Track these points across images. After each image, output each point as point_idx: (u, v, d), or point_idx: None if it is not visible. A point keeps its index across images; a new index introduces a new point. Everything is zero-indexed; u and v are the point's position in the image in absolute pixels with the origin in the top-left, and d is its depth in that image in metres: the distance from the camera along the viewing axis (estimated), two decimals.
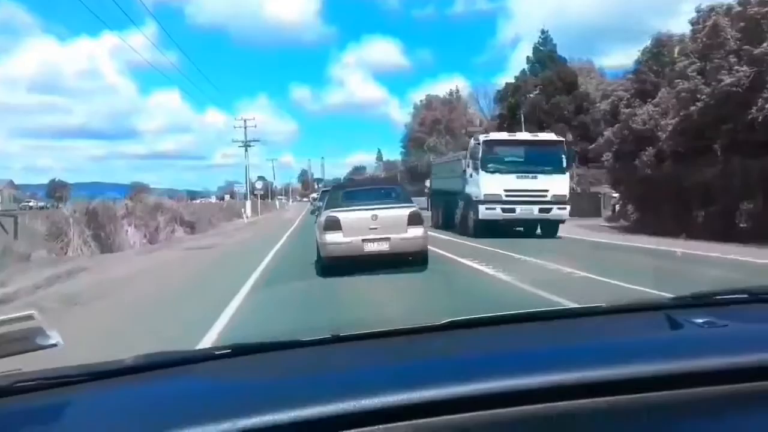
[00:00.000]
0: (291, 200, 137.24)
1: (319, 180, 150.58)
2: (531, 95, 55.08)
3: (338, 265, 9.99)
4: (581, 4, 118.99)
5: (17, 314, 1.04)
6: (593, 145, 26.46)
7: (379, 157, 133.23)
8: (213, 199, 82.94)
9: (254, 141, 52.95)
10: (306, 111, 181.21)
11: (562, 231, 20.28)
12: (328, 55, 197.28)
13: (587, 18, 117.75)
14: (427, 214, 17.18)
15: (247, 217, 43.34)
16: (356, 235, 10.29)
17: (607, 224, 27.39)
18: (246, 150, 52.54)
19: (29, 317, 1.05)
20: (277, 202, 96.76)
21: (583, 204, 39.40)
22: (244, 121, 52.29)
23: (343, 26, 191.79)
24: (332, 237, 10.35)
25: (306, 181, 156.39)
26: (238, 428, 0.94)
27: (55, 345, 1.07)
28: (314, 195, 52.47)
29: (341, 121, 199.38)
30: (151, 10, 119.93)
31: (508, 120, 57.88)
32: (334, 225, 10.43)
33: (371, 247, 10.34)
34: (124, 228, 22.49)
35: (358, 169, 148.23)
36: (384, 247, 10.36)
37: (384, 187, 13.79)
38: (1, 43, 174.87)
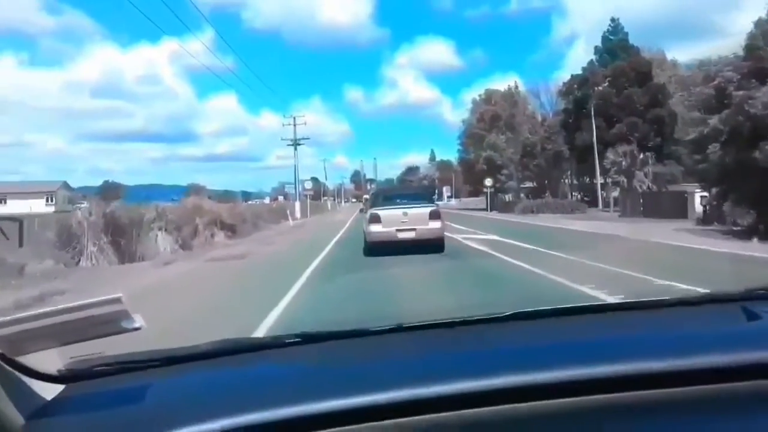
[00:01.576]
0: (343, 201, 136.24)
1: (371, 180, 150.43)
2: (600, 87, 50.89)
3: (379, 248, 13.73)
4: (639, 2, 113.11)
5: (105, 297, 1.04)
6: (692, 135, 22.59)
7: (432, 158, 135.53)
8: (266, 200, 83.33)
9: (303, 139, 50.72)
10: (359, 112, 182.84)
11: (666, 238, 16.92)
12: (380, 56, 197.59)
13: (645, 15, 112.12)
14: None
15: (294, 219, 40.93)
16: (392, 226, 13.99)
17: (702, 227, 23.49)
18: (295, 149, 50.33)
19: (117, 300, 1.05)
20: (328, 203, 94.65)
21: (664, 204, 35.29)
22: (294, 118, 50.08)
23: (395, 27, 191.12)
24: (375, 228, 14.14)
25: (358, 181, 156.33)
26: (311, 412, 0.96)
27: (139, 328, 1.07)
28: (366, 196, 54.50)
29: (394, 121, 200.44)
30: (207, 16, 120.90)
31: (574, 115, 53.80)
32: (376, 219, 14.23)
33: (402, 235, 13.94)
34: (153, 233, 20.20)
35: (411, 170, 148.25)
36: (411, 235, 13.94)
37: (413, 192, 18.76)
38: (66, 50, 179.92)
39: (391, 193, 17.65)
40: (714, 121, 18.77)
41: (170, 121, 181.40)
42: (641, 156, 45.92)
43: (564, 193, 60.70)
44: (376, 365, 1.23)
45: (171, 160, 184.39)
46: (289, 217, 31.93)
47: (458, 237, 18.89)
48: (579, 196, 58.97)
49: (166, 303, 8.01)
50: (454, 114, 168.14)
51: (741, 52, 19.97)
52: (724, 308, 1.53)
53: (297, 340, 1.38)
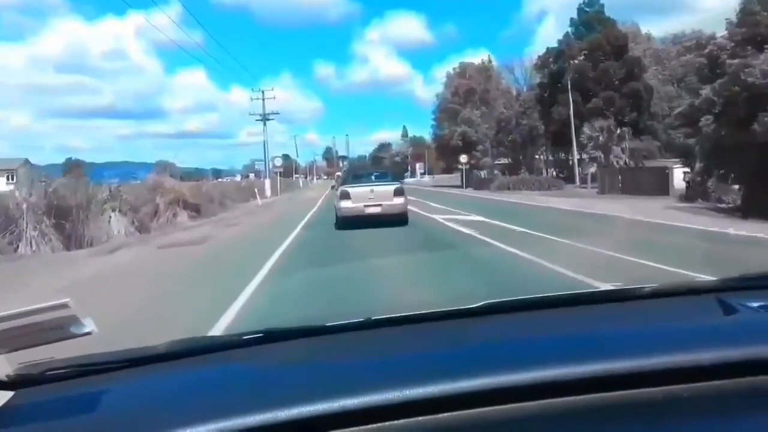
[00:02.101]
0: (315, 178, 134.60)
1: (343, 158, 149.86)
2: (576, 61, 49.80)
3: (348, 222, 15.14)
4: None
5: (52, 303, 1.02)
6: (679, 109, 21.59)
7: (405, 134, 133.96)
8: (238, 178, 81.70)
9: (273, 114, 48.86)
10: (330, 88, 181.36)
11: (658, 216, 15.91)
12: (351, 32, 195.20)
13: None
14: None
15: (263, 198, 39.33)
16: (360, 202, 15.41)
17: (687, 204, 22.61)
18: (264, 124, 48.49)
19: (64, 306, 1.04)
20: (300, 181, 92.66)
21: (644, 180, 34.49)
22: (262, 92, 48.09)
23: (366, 2, 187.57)
24: (345, 203, 15.59)
25: (331, 158, 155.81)
26: (274, 420, 0.92)
27: (89, 333, 1.06)
28: (339, 173, 53.73)
29: (365, 98, 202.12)
30: None
31: (550, 89, 52.70)
32: (346, 195, 15.70)
33: (370, 210, 15.35)
34: (105, 215, 18.57)
35: (384, 146, 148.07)
36: (378, 210, 15.40)
37: (380, 171, 19.50)
38: (29, 24, 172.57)
39: (360, 172, 19.57)
40: (707, 91, 17.69)
41: (138, 98, 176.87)
42: (618, 131, 45.17)
43: (539, 169, 59.87)
44: (342, 367, 1.17)
45: (140, 138, 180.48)
46: (257, 196, 30.32)
47: (439, 218, 17.63)
48: (554, 173, 58.24)
49: (95, 301, 6.56)
50: (426, 90, 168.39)
51: (722, 27, 18.94)
52: (700, 300, 1.46)
53: (259, 337, 1.32)
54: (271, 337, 1.33)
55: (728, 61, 16.92)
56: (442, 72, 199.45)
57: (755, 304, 1.25)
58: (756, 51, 16.36)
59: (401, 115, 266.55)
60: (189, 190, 26.51)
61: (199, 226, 20.82)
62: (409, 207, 16.50)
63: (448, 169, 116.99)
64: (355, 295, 6.34)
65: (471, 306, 1.37)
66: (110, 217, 18.52)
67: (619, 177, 37.61)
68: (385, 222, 14.80)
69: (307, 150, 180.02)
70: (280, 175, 56.42)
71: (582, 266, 7.54)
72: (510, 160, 60.73)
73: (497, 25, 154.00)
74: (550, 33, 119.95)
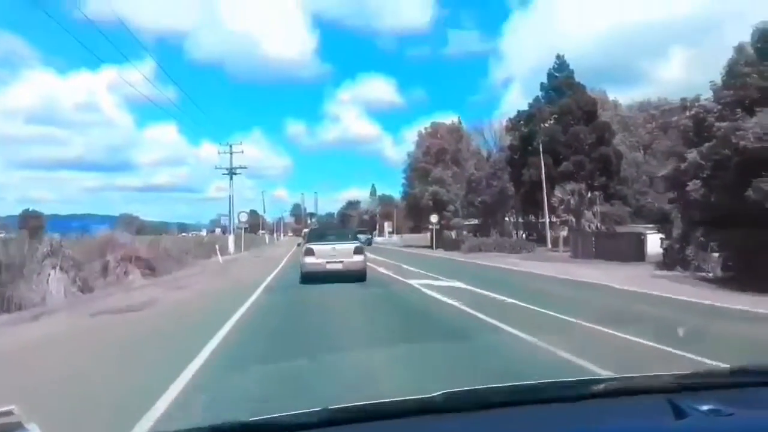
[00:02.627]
0: (283, 235, 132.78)
1: (312, 215, 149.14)
2: (547, 124, 49.93)
3: (311, 278, 16.35)
4: (572, 48, 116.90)
5: None
6: (664, 172, 20.89)
7: (373, 192, 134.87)
8: (203, 233, 79.17)
9: (240, 168, 47.35)
10: (300, 146, 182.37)
11: (655, 287, 14.76)
12: (323, 92, 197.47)
13: (581, 61, 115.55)
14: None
15: (224, 255, 37.45)
16: (323, 258, 16.69)
17: (668, 272, 21.62)
18: (231, 178, 46.93)
19: (9, 413, 1.02)
20: (266, 237, 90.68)
21: (618, 245, 33.72)
22: (230, 146, 46.77)
23: (339, 64, 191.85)
24: (309, 259, 16.83)
25: (299, 215, 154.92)
26: None
27: None
28: (306, 230, 50.45)
29: (335, 156, 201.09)
30: (149, 45, 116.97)
31: (521, 151, 52.60)
32: (310, 252, 16.92)
33: (331, 266, 16.62)
34: (45, 273, 16.72)
35: (353, 204, 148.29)
36: (339, 267, 16.65)
37: (341, 230, 22.06)
38: (0, 74, 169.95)
39: (323, 231, 20.97)
40: (693, 155, 16.92)
41: (108, 150, 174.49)
42: (589, 195, 44.85)
43: (509, 231, 59.31)
44: None
45: (107, 190, 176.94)
46: (218, 254, 28.52)
47: (416, 284, 16.19)
48: (524, 235, 57.65)
49: None
50: (395, 150, 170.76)
51: (710, 90, 18.42)
52: (652, 401, 1.38)
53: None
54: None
55: (717, 124, 16.22)
56: (411, 133, 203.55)
57: (705, 408, 1.21)
58: (746, 114, 15.68)
59: (370, 174, 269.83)
60: (145, 246, 24.74)
61: (150, 286, 19.03)
62: (383, 270, 15.38)
63: (417, 229, 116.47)
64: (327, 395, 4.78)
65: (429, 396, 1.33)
66: (49, 275, 16.69)
67: (593, 241, 36.89)
68: (348, 279, 16.10)
69: (276, 206, 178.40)
70: (245, 231, 54.67)
71: (603, 356, 6.08)
72: (479, 221, 60.17)
73: (465, 90, 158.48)
74: (515, 99, 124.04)
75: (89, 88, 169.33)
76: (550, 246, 44.69)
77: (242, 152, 47.58)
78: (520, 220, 59.57)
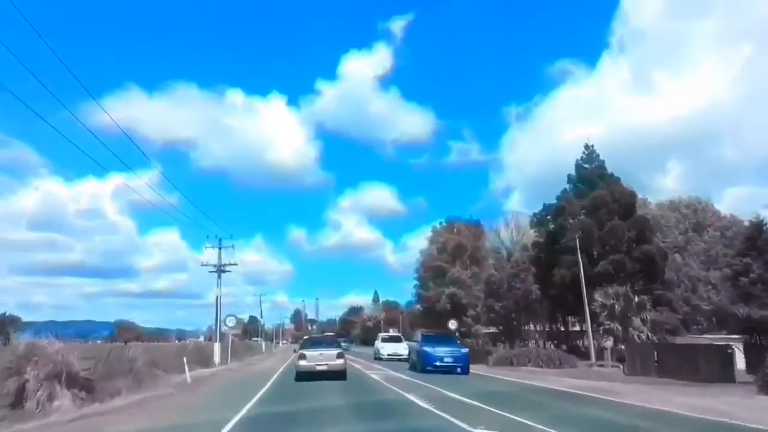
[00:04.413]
0: (282, 342, 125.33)
1: (312, 321, 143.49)
2: (579, 218, 44.35)
3: (304, 376, 20.94)
4: (569, 156, 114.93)
5: None
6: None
7: (376, 299, 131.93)
8: (201, 339, 74.65)
9: (230, 265, 41.20)
10: (302, 252, 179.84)
11: None
12: (325, 199, 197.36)
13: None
14: None
15: (203, 368, 30.57)
16: (313, 361, 21.22)
17: None
18: (218, 276, 40.63)
19: None
20: (262, 345, 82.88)
21: (690, 360, 26.88)
22: (219, 240, 40.87)
23: (340, 172, 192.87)
24: (302, 362, 21.43)
25: (299, 321, 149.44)
26: None
27: None
28: (306, 337, 50.90)
29: (336, 262, 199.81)
30: (155, 153, 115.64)
31: (547, 249, 46.67)
32: (303, 356, 21.58)
33: (320, 368, 21.06)
34: None
35: (355, 310, 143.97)
36: (325, 367, 21.08)
37: (328, 340, 25.79)
38: (7, 182, 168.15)
39: (314, 340, 25.62)
40: None
41: (108, 256, 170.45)
42: (636, 299, 38.40)
43: (535, 340, 52.23)
44: None
45: (106, 296, 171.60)
46: (186, 370, 21.87)
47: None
48: (551, 345, 50.55)
49: None
50: (396, 257, 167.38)
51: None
52: None
53: None
54: None
55: None
56: (412, 240, 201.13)
57: None
58: None
59: (371, 281, 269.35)
60: (79, 359, 18.16)
61: (72, 422, 12.57)
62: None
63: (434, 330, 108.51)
64: None
65: None
66: None
67: (655, 355, 30.07)
68: (332, 378, 20.68)
69: (277, 313, 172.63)
70: (235, 338, 48.17)
71: None
72: (499, 329, 53.24)
73: (465, 198, 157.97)
74: (516, 207, 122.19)
75: (93, 195, 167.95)
76: (594, 360, 37.66)
77: (233, 247, 41.62)
78: (547, 328, 52.66)
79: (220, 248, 40.69)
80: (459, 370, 25.96)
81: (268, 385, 20.15)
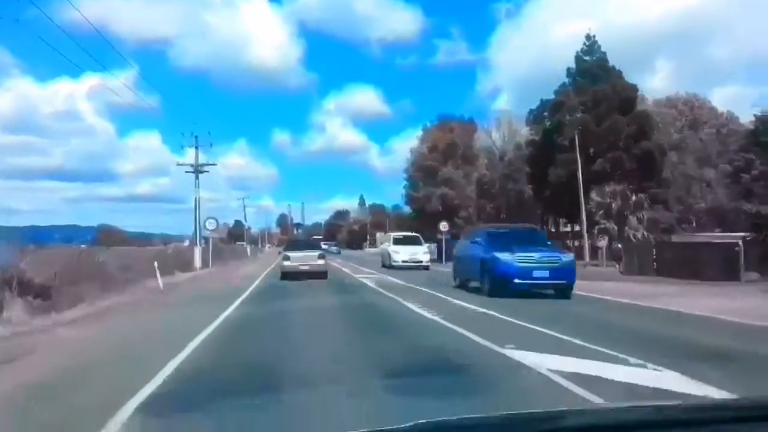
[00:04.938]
0: (268, 246, 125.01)
1: (298, 225, 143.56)
2: (576, 115, 42.07)
3: (288, 276, 21.89)
4: (558, 58, 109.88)
5: None
6: None
7: (362, 202, 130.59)
8: (186, 243, 72.76)
9: (208, 165, 38.94)
10: (286, 156, 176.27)
11: None
12: (309, 102, 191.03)
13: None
14: None
15: (185, 272, 29.04)
16: (296, 262, 22.49)
17: None
18: (197, 177, 38.45)
19: None
20: (248, 248, 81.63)
21: (691, 259, 25.59)
22: (195, 138, 38.30)
23: (324, 73, 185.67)
24: (286, 263, 22.72)
25: (285, 225, 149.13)
26: None
27: None
28: (290, 240, 48.11)
29: (321, 166, 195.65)
30: (131, 52, 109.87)
31: (544, 147, 44.59)
32: (287, 258, 22.98)
33: (302, 268, 22.17)
34: None
35: (341, 214, 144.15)
36: (307, 268, 22.24)
37: (310, 242, 30.58)
38: None
39: (297, 243, 28.60)
40: None
41: (88, 160, 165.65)
42: (634, 197, 36.92)
43: None
44: None
45: (88, 200, 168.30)
46: (158, 275, 19.97)
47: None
48: None
49: None
50: (383, 161, 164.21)
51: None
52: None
53: None
54: None
55: None
56: (399, 144, 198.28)
57: None
58: None
59: (357, 185, 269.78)
60: (34, 265, 16.25)
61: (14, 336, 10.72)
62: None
63: (430, 239, 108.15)
64: None
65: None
66: None
67: (654, 253, 28.84)
68: (314, 276, 21.92)
69: (262, 217, 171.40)
70: (222, 242, 46.83)
71: None
72: None
73: (452, 100, 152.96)
74: (505, 108, 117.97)
75: (69, 96, 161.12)
76: (588, 259, 36.56)
77: (211, 146, 39.17)
78: (541, 228, 51.51)
79: (197, 147, 38.30)
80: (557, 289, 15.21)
81: (258, 281, 18.73)
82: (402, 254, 31.33)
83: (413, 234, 36.77)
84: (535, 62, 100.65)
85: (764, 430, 1.32)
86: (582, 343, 7.96)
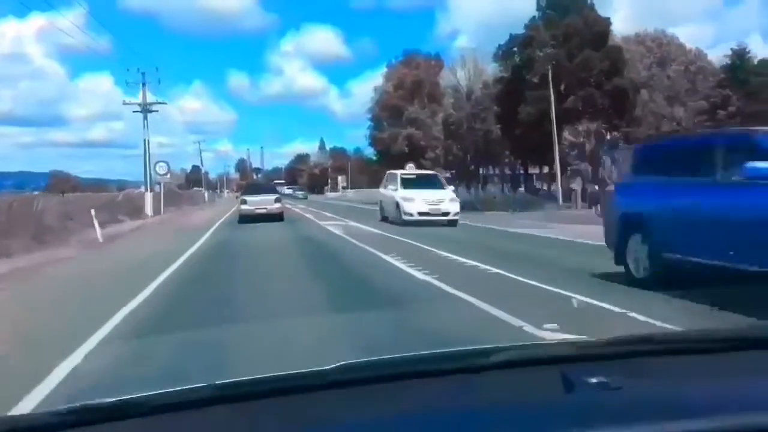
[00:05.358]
0: (227, 191, 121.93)
1: (258, 170, 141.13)
2: (547, 51, 40.07)
3: (246, 219, 22.54)
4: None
5: None
6: None
7: (322, 146, 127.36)
8: (142, 189, 69.27)
9: (157, 104, 35.94)
10: (244, 99, 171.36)
11: None
12: (266, 43, 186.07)
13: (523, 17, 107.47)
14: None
15: (137, 219, 26.68)
16: (253, 206, 23.12)
17: None
18: (145, 118, 35.49)
19: None
20: (205, 194, 78.56)
21: None
22: (143, 75, 35.12)
23: (282, 14, 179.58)
24: (244, 207, 23.48)
25: (244, 170, 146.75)
26: None
27: None
28: (247, 184, 46.12)
29: (280, 110, 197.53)
30: None
31: (513, 85, 42.72)
32: (245, 202, 23.73)
33: (259, 211, 22.86)
34: None
35: (301, 157, 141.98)
36: (264, 211, 22.90)
37: (266, 186, 30.75)
38: None
39: (254, 187, 28.78)
40: None
41: (39, 104, 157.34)
42: (608, 136, 35.59)
43: (492, 184, 49.84)
44: None
45: (41, 146, 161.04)
46: (96, 227, 17.32)
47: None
48: (510, 188, 48.31)
49: None
50: (342, 104, 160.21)
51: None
52: (543, 372, 1.35)
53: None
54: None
55: None
56: (359, 86, 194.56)
57: (594, 380, 1.20)
58: None
59: (317, 129, 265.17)
60: None
61: None
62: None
63: (375, 182, 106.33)
64: None
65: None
66: None
67: None
68: (270, 219, 22.46)
69: (221, 162, 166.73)
70: (178, 187, 44.13)
71: None
72: (452, 172, 50.28)
73: (411, 44, 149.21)
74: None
75: (15, 38, 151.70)
76: (561, 202, 35.33)
77: (159, 82, 36.08)
78: (507, 171, 50.09)
79: (143, 84, 35.18)
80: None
81: (211, 232, 16.50)
82: (418, 203, 20.04)
83: (429, 172, 28.58)
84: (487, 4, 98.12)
85: (684, 360, 1.39)
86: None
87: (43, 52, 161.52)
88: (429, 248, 12.52)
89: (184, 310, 7.06)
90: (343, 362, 1.29)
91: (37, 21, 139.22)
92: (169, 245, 14.84)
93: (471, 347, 1.45)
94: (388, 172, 25.66)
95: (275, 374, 1.28)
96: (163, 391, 1.19)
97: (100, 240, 16.43)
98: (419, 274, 8.96)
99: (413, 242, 13.74)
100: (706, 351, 1.46)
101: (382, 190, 23.81)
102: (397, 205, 20.53)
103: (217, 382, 1.21)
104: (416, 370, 1.35)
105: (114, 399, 1.15)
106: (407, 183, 21.63)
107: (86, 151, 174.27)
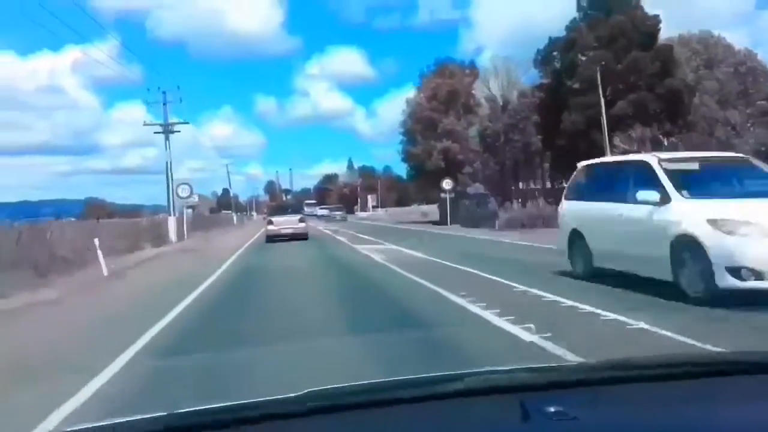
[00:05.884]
0: (255, 214, 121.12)
1: (287, 191, 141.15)
2: (591, 53, 37.25)
3: (272, 239, 24.34)
4: (543, 16, 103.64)
5: None
6: None
7: (350, 166, 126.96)
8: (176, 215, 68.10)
9: (179, 124, 34.02)
10: (272, 122, 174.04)
11: None
12: (292, 66, 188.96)
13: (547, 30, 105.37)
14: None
15: (157, 248, 24.51)
16: (279, 226, 25.06)
17: None
18: (167, 138, 33.54)
19: None
20: (234, 217, 76.87)
21: None
22: (164, 94, 33.27)
23: (306, 37, 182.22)
24: (270, 227, 25.53)
25: (274, 192, 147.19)
26: None
27: None
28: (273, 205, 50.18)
29: (308, 131, 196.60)
30: (111, 24, 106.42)
31: (555, 92, 39.90)
32: (271, 222, 26.08)
33: (285, 231, 24.68)
34: None
35: (330, 178, 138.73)
36: (290, 231, 24.68)
37: (291, 206, 35.13)
38: None
39: (280, 208, 32.86)
40: None
41: (75, 133, 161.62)
42: (666, 142, 32.56)
43: (532, 199, 46.86)
44: None
45: (77, 174, 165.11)
46: (101, 259, 14.87)
47: None
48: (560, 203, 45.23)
49: None
50: (368, 124, 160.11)
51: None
52: (502, 401, 1.30)
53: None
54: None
55: None
56: (383, 106, 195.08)
57: (551, 409, 1.17)
58: None
59: (344, 149, 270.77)
60: None
61: None
62: None
63: (403, 201, 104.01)
64: None
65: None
66: None
67: None
68: (295, 238, 24.25)
69: (251, 185, 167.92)
70: (210, 211, 42.51)
71: None
72: (486, 187, 47.18)
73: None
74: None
75: (51, 71, 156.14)
76: None
77: (181, 101, 34.19)
78: (548, 185, 47.05)
79: (165, 103, 33.27)
80: None
81: (233, 261, 14.22)
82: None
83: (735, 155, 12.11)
84: (520, 16, 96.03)
85: (644, 387, 1.37)
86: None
87: (77, 83, 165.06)
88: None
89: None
90: (308, 390, 1.26)
91: (71, 54, 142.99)
92: (181, 277, 12.46)
93: (433, 374, 1.42)
94: (599, 161, 12.17)
95: (235, 403, 1.24)
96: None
97: (105, 274, 14.10)
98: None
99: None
100: (667, 378, 1.42)
101: (577, 204, 10.47)
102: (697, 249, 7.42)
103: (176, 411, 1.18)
104: (373, 399, 1.32)
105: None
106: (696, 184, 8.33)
107: (121, 177, 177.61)
